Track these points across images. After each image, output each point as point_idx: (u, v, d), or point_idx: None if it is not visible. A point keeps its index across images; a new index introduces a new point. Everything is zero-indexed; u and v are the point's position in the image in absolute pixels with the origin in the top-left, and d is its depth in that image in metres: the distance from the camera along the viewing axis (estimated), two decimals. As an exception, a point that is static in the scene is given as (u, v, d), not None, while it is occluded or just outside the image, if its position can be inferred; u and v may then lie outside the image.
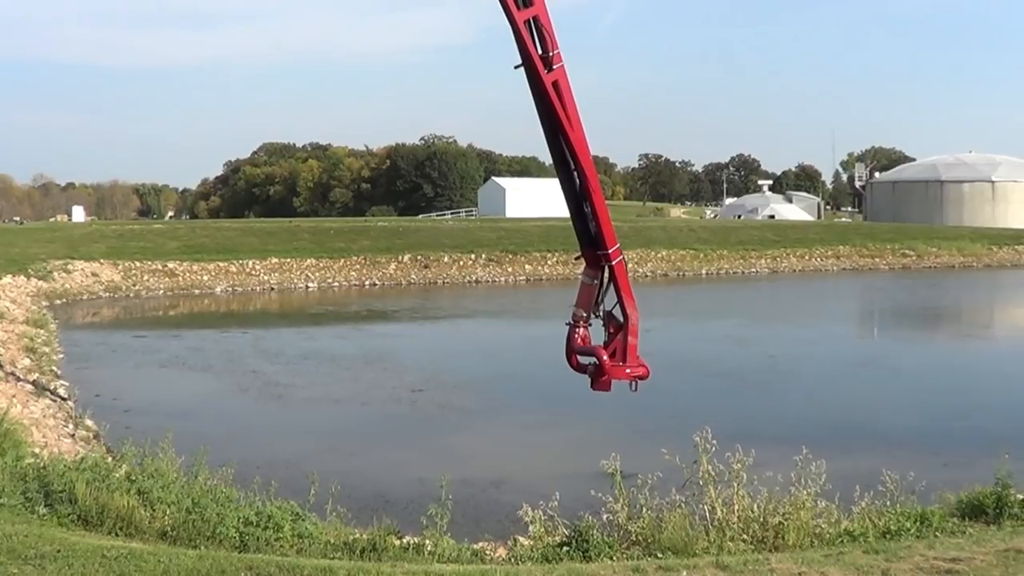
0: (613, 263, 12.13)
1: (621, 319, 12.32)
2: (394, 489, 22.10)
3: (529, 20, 11.50)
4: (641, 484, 15.77)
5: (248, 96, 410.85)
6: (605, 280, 12.27)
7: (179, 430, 19.61)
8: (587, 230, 12.28)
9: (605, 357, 12.19)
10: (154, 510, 14.98)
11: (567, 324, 12.46)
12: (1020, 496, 16.54)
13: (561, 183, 12.41)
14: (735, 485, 15.63)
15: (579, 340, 12.38)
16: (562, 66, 11.73)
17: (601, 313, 12.44)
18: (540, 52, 11.55)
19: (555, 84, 11.67)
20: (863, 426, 28.85)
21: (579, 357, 12.46)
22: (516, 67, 11.63)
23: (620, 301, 12.26)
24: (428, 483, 18.85)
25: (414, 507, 18.34)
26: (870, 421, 29.77)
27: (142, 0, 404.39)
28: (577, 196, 12.22)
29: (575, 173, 12.07)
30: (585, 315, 12.34)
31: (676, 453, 16.26)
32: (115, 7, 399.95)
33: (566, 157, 12.00)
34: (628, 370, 12.33)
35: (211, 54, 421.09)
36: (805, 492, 15.52)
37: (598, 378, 12.29)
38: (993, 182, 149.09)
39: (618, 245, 12.20)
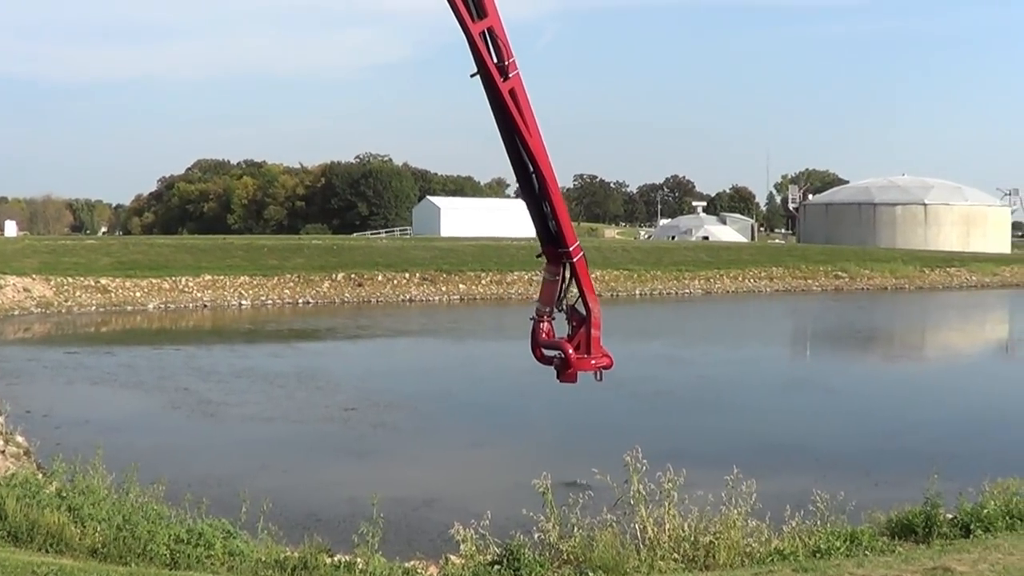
0: (574, 260, 12.28)
1: (584, 313, 12.46)
2: (326, 507, 22.06)
3: (484, 31, 11.60)
4: (572, 503, 15.84)
5: (183, 112, 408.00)
6: (567, 276, 12.42)
7: (110, 447, 19.53)
8: (547, 229, 12.43)
9: (571, 350, 12.31)
10: (84, 527, 14.92)
11: (531, 319, 12.59)
12: (949, 515, 16.70)
13: (520, 185, 12.56)
14: (666, 504, 15.73)
15: (544, 334, 12.51)
16: (517, 74, 11.83)
17: (564, 308, 12.57)
18: (496, 61, 11.65)
19: (511, 92, 11.77)
20: (794, 446, 29.06)
21: (544, 351, 12.58)
22: (472, 75, 11.72)
23: (582, 295, 12.40)
24: (360, 501, 18.87)
25: (346, 525, 18.33)
26: (801, 441, 29.99)
27: (76, 14, 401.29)
28: (537, 197, 12.37)
29: (534, 176, 12.21)
30: (548, 310, 12.47)
31: (608, 472, 16.35)
32: (49, 21, 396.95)
33: (524, 161, 12.13)
34: (593, 361, 12.48)
35: (146, 69, 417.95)
36: (736, 511, 15.63)
37: (564, 370, 12.40)
38: (926, 205, 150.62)
39: (578, 242, 12.35)
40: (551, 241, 12.53)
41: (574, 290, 12.55)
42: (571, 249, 12.35)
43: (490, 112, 12.04)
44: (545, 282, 12.69)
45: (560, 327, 12.69)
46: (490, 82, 11.75)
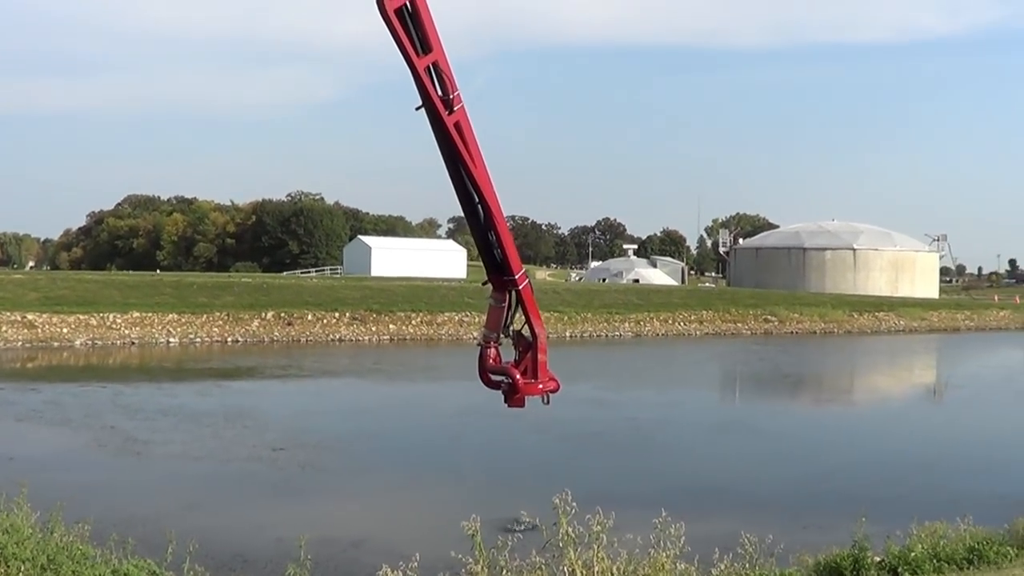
0: (520, 287, 12.39)
1: (530, 338, 12.57)
2: (253, 548, 21.89)
3: (429, 66, 11.69)
4: (502, 545, 15.78)
5: (113, 147, 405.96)
6: (513, 303, 12.52)
7: (34, 485, 19.28)
8: (493, 258, 12.52)
9: (518, 376, 12.41)
10: (8, 566, 14.72)
11: (478, 345, 12.68)
12: (877, 558, 16.79)
13: (466, 216, 12.64)
14: (595, 547, 15.69)
15: (491, 360, 12.60)
16: (462, 107, 11.92)
17: (511, 334, 12.66)
18: (441, 95, 11.73)
19: (456, 124, 11.86)
20: (723, 489, 29.14)
21: (492, 376, 12.67)
22: (417, 108, 11.80)
23: (528, 321, 12.51)
24: (287, 542, 18.72)
25: (272, 566, 18.23)
26: (730, 484, 30.06)
27: (7, 45, 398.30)
28: (483, 227, 12.46)
29: (479, 206, 12.30)
30: (495, 336, 12.56)
31: (537, 514, 16.31)
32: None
33: (469, 192, 12.22)
34: (540, 385, 12.60)
35: (77, 102, 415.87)
36: (664, 555, 15.61)
37: (512, 395, 12.49)
38: (855, 250, 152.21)
39: (524, 270, 12.47)
40: (497, 269, 12.64)
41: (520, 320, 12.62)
42: (516, 277, 12.48)
43: (425, 151, 12.25)
44: (491, 309, 12.78)
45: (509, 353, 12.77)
46: (435, 115, 11.85)
